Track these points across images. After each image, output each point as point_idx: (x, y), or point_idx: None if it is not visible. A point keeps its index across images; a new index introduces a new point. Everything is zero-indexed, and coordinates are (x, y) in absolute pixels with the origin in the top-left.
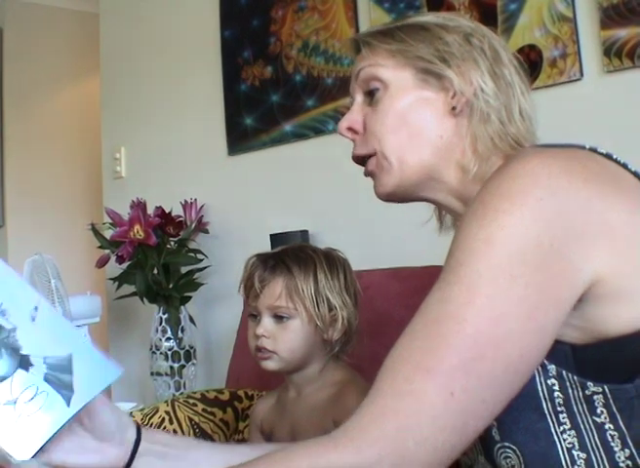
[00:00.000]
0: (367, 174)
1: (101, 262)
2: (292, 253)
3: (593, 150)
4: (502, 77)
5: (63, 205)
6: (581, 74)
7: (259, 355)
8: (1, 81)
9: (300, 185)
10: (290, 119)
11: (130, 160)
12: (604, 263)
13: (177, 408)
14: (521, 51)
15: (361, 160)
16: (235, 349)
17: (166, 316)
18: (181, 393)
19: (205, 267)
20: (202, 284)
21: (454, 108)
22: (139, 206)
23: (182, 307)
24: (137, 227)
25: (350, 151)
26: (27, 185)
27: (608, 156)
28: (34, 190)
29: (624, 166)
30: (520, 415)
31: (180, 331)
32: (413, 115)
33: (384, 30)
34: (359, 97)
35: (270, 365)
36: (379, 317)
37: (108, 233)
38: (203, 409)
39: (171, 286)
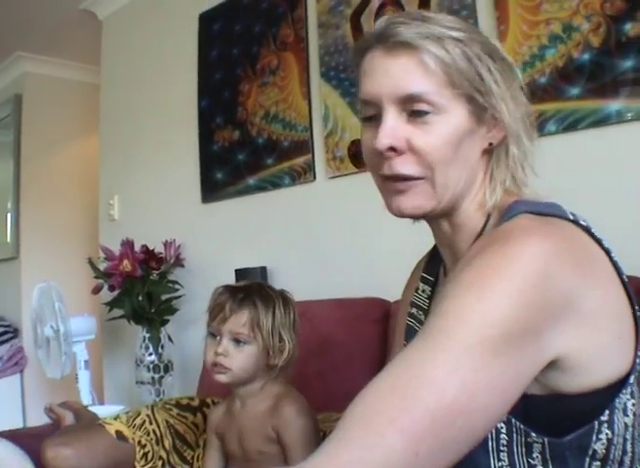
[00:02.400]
0: (397, 191)
1: (96, 290)
2: (257, 290)
3: (575, 222)
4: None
5: (67, 241)
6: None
7: (214, 369)
8: (19, 138)
9: (260, 230)
10: (253, 174)
11: (122, 205)
12: (569, 344)
13: (156, 412)
14: None
15: (401, 179)
16: (204, 364)
17: (148, 335)
18: (161, 399)
19: (180, 296)
20: (177, 309)
21: (490, 144)
22: (127, 244)
23: (162, 328)
24: (125, 262)
25: (301, 200)
26: (38, 224)
27: (587, 230)
28: (43, 228)
29: (599, 242)
30: (473, 455)
31: (160, 348)
32: (464, 147)
33: (436, 36)
34: (394, 113)
35: (222, 378)
36: (323, 339)
37: (102, 265)
38: (178, 414)
39: (153, 310)
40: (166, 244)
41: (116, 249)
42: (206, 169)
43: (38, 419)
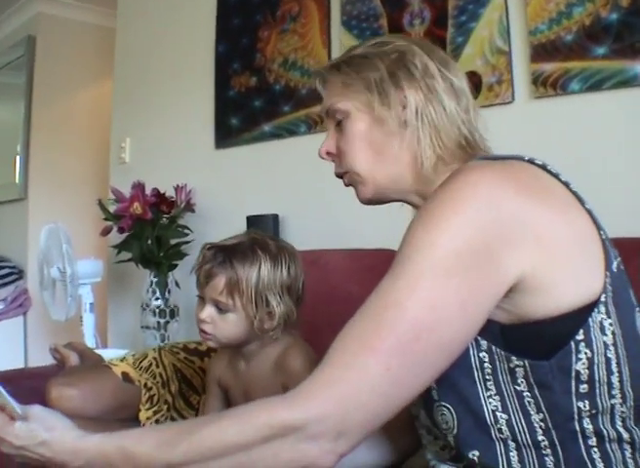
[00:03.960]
0: (347, 185)
1: (105, 232)
2: (240, 251)
3: (531, 161)
4: (434, 90)
5: (76, 183)
6: (513, 98)
7: (200, 334)
8: (32, 80)
9: (273, 177)
10: (268, 121)
11: (133, 149)
12: (528, 264)
13: (163, 355)
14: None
15: (340, 176)
16: None
17: (156, 279)
18: (166, 344)
19: (190, 241)
20: (187, 254)
21: (405, 121)
22: (138, 187)
23: (170, 273)
24: (136, 204)
25: (316, 150)
26: (47, 167)
27: (542, 167)
28: (52, 171)
29: (556, 175)
30: (455, 381)
31: (166, 293)
32: (373, 134)
33: (335, 65)
34: (331, 127)
35: (210, 343)
36: (334, 290)
37: (112, 208)
38: (185, 358)
39: (161, 254)
40: (177, 188)
41: (126, 192)
42: (221, 114)
43: (40, 361)
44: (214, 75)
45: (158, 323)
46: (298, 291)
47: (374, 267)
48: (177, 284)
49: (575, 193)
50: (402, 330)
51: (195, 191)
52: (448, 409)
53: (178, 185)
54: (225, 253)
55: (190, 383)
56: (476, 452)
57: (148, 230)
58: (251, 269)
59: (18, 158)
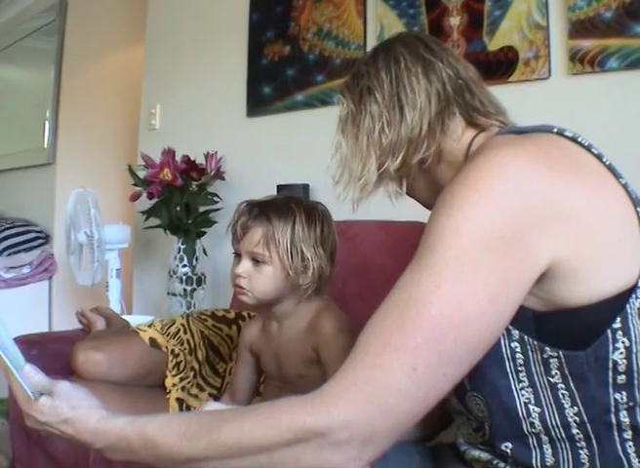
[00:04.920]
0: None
1: (134, 197)
2: (275, 206)
3: (560, 133)
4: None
5: (104, 149)
6: (549, 74)
7: (236, 289)
8: (62, 45)
9: (305, 147)
10: (301, 90)
11: (163, 115)
12: (561, 249)
13: (191, 321)
14: (501, 50)
15: None
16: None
17: (184, 246)
18: (193, 311)
19: (219, 209)
20: (215, 222)
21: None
22: (169, 153)
23: (198, 240)
24: (166, 170)
25: None
26: (76, 132)
27: (573, 139)
28: (81, 136)
29: (588, 148)
30: (487, 372)
31: (194, 260)
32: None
33: None
34: None
35: (245, 299)
36: (364, 261)
37: (141, 174)
38: (213, 325)
39: (190, 221)
40: (207, 156)
41: (156, 158)
42: (253, 83)
43: (64, 326)
44: (247, 43)
45: (184, 290)
46: (331, 248)
47: (404, 240)
48: (204, 251)
49: (609, 166)
50: (428, 327)
51: (225, 159)
52: (481, 399)
53: (208, 153)
54: (260, 207)
55: (217, 351)
56: (509, 444)
57: (177, 197)
58: (286, 221)
59: (46, 123)
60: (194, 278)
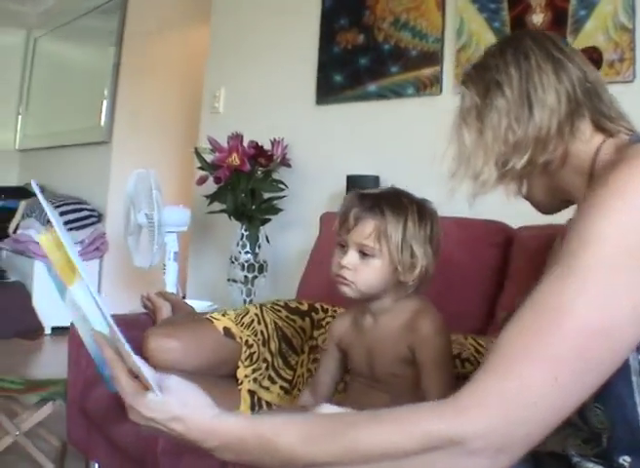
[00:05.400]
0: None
1: (201, 181)
2: (388, 199)
3: None
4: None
5: (162, 130)
6: (634, 77)
7: (338, 279)
8: (123, 24)
9: (375, 137)
10: (374, 80)
11: (227, 98)
12: None
13: (264, 312)
14: (585, 50)
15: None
16: (308, 267)
17: (247, 233)
18: (251, 299)
19: (284, 196)
20: (281, 209)
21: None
22: (237, 137)
23: (261, 227)
24: (234, 155)
25: (425, 113)
26: (134, 112)
27: None
28: (139, 116)
29: None
30: (611, 384)
31: (257, 248)
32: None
33: None
34: None
35: (347, 291)
36: (441, 258)
37: (207, 158)
38: (286, 316)
39: (254, 207)
40: (273, 142)
41: (219, 142)
42: (324, 70)
43: (114, 308)
44: (319, 30)
45: (245, 277)
46: (437, 247)
47: (483, 238)
48: (267, 239)
49: None
50: (570, 335)
51: (292, 146)
52: (602, 410)
53: (275, 139)
54: (374, 199)
55: (290, 343)
56: (627, 458)
57: (244, 182)
58: (399, 216)
59: (104, 102)
60: (256, 265)
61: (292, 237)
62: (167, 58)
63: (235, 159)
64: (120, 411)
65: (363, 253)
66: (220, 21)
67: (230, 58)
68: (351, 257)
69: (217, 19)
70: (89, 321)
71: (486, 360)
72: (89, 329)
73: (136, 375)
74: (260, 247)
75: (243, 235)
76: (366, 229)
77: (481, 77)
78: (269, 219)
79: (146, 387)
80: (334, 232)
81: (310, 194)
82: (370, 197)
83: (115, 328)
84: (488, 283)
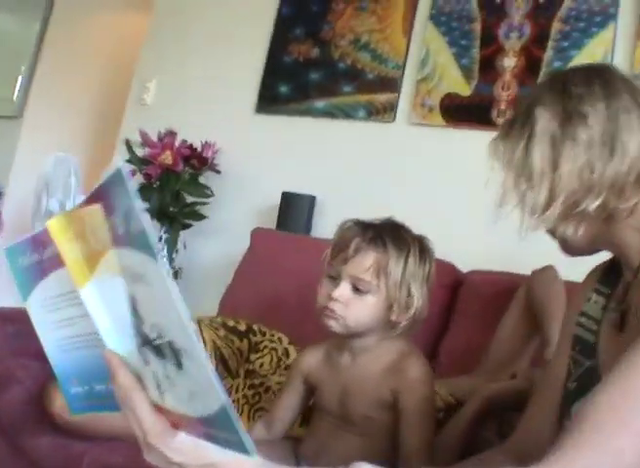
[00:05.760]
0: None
1: (129, 175)
2: (390, 232)
3: None
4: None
5: (80, 114)
6: None
7: (325, 312)
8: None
9: (317, 156)
10: (323, 97)
11: (159, 92)
12: None
13: (203, 328)
14: None
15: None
16: (234, 282)
17: (166, 236)
18: (201, 317)
19: (208, 202)
20: (205, 216)
21: None
22: (171, 135)
23: (181, 232)
24: (168, 153)
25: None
26: (53, 89)
27: None
28: (57, 95)
29: None
30: None
31: (174, 252)
32: None
33: None
34: None
35: (333, 325)
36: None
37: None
38: (224, 335)
39: (176, 210)
40: (204, 145)
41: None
42: (270, 78)
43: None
44: (271, 35)
45: None
46: (431, 289)
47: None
48: (184, 245)
49: None
50: None
51: (223, 152)
52: None
53: (206, 142)
54: (376, 230)
55: (226, 365)
56: None
57: (173, 183)
58: (401, 251)
59: (19, 78)
60: (171, 271)
61: (212, 246)
62: (96, 40)
63: (168, 157)
64: (38, 421)
65: (356, 288)
66: (163, 8)
67: (169, 48)
68: (344, 290)
69: (160, 6)
70: (99, 335)
71: (571, 431)
72: (60, 338)
73: (158, 409)
74: (177, 252)
75: (162, 238)
76: (365, 262)
77: (560, 102)
78: (191, 225)
79: (174, 424)
80: (324, 261)
81: (238, 205)
82: (372, 228)
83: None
84: (434, 323)
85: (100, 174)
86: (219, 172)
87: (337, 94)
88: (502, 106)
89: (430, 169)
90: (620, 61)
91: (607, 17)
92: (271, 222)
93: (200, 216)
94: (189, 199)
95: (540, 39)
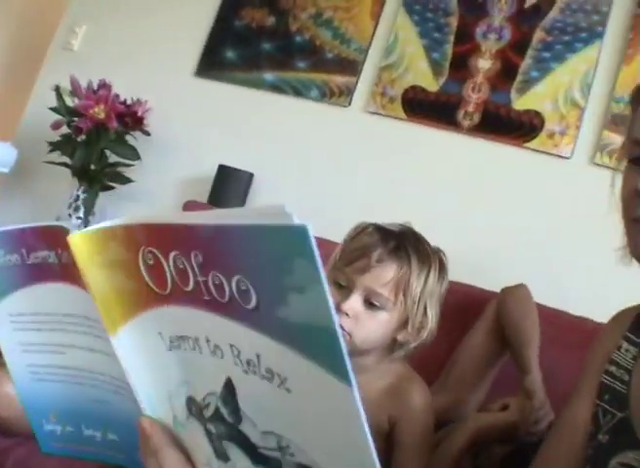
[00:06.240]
0: None
1: (56, 126)
2: (413, 243)
3: None
4: None
5: None
6: (572, 154)
7: None
8: None
9: (260, 131)
10: (273, 70)
11: (88, 38)
12: None
13: None
14: (526, 112)
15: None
16: None
17: (85, 196)
18: None
19: (133, 165)
20: (130, 180)
21: None
22: (105, 87)
23: (101, 193)
24: (102, 107)
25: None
26: None
27: None
28: None
29: None
30: None
31: (91, 215)
32: None
33: None
34: None
35: None
36: None
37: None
38: None
39: (96, 168)
40: (135, 103)
41: (68, 85)
42: (215, 40)
43: None
44: None
45: None
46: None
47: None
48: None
49: None
50: None
51: (155, 113)
52: None
53: (138, 100)
54: (399, 240)
55: None
56: None
57: (104, 140)
58: (424, 266)
59: None
60: None
61: (133, 213)
62: None
63: (100, 112)
64: None
65: (369, 302)
66: None
67: None
68: (355, 303)
69: None
70: (137, 395)
71: None
72: (34, 364)
73: None
74: (94, 215)
75: (79, 197)
76: (386, 275)
77: None
78: (112, 187)
79: None
80: (329, 263)
81: (167, 172)
82: (393, 237)
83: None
84: None
85: (6, 116)
86: (148, 134)
87: (289, 68)
88: (470, 108)
89: (382, 162)
90: (602, 83)
91: (593, 34)
92: (201, 195)
93: (125, 180)
94: (112, 159)
95: (519, 45)
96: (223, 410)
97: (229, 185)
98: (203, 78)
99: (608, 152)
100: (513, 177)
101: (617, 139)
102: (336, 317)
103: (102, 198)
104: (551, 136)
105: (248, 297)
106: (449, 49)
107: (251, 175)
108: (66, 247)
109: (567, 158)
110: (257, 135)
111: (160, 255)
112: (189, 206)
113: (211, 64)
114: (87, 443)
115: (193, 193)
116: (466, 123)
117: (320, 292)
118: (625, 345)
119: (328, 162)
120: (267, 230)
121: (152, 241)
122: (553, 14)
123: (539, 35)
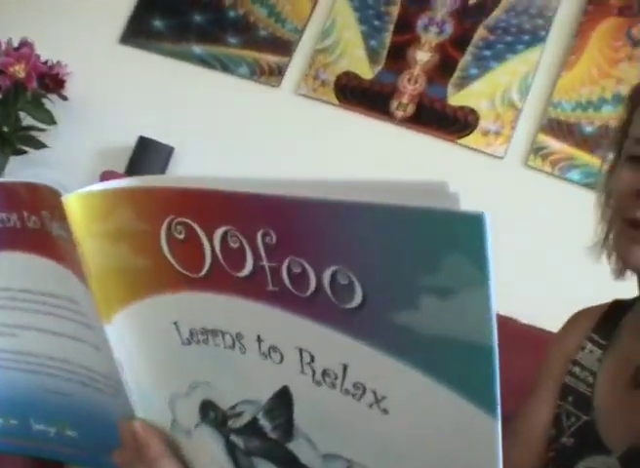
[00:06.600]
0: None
1: None
2: None
3: None
4: None
5: None
6: (505, 154)
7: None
8: None
9: (183, 105)
10: (202, 43)
11: None
12: None
13: None
14: (461, 108)
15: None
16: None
17: None
18: None
19: (47, 129)
20: (45, 146)
21: None
22: (27, 45)
23: (12, 158)
24: (22, 65)
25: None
26: None
27: None
28: None
29: None
30: None
31: None
32: None
33: None
34: None
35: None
36: None
37: None
38: None
39: (9, 131)
40: (53, 64)
41: None
42: (143, 8)
43: None
44: None
45: None
46: None
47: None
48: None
49: None
50: None
51: (76, 78)
52: None
53: (58, 62)
54: None
55: None
56: None
57: (22, 101)
58: None
59: None
60: None
61: (44, 180)
62: None
63: (21, 70)
64: None
65: None
66: None
67: None
68: None
69: None
70: (130, 392)
71: None
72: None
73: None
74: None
75: None
76: None
77: None
78: (25, 152)
79: None
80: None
81: (83, 140)
82: None
83: None
84: None
85: None
86: (66, 98)
87: (219, 43)
88: (405, 100)
89: (309, 146)
90: (541, 86)
91: (536, 38)
92: (119, 166)
93: (39, 144)
94: (26, 122)
95: (460, 41)
96: (265, 424)
97: (148, 158)
98: (128, 46)
99: (541, 155)
100: (445, 172)
101: (552, 143)
102: (496, 334)
103: (13, 162)
104: (485, 134)
105: (349, 294)
106: (387, 38)
107: (171, 149)
108: (38, 209)
109: (500, 158)
110: (180, 108)
111: (198, 229)
112: (107, 176)
113: (137, 32)
114: (37, 439)
115: (111, 163)
116: (400, 114)
117: (482, 300)
118: (590, 346)
119: (252, 142)
120: (415, 214)
121: (189, 210)
122: (497, 13)
123: (481, 33)
